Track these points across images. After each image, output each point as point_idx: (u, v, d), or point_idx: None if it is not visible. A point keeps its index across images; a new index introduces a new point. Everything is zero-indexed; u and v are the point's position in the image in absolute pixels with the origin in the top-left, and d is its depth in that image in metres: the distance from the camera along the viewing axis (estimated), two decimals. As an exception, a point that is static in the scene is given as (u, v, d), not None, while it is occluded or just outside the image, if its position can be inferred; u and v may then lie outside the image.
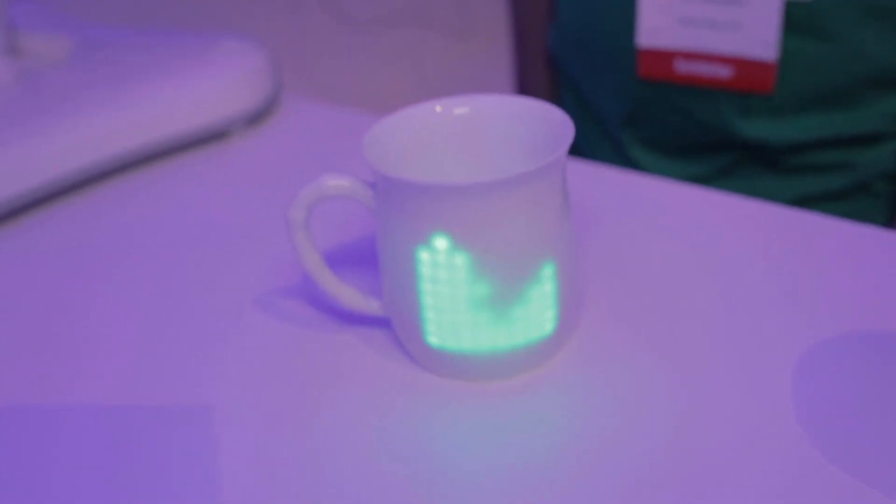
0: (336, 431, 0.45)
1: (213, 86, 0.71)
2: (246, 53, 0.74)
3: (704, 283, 0.53)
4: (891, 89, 0.71)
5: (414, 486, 0.42)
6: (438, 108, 0.49)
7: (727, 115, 0.74)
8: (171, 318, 0.54)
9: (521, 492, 0.42)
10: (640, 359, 0.48)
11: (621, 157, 0.81)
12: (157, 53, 0.73)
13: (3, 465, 0.45)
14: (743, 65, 0.72)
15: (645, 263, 0.55)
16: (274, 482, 0.43)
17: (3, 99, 0.68)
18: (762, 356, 0.47)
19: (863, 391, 0.44)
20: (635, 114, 0.79)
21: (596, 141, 0.83)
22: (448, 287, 0.45)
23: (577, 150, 0.85)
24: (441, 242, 0.44)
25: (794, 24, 0.69)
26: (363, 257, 0.56)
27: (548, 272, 0.45)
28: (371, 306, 0.50)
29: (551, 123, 0.46)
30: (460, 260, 0.44)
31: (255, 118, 0.74)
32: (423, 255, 0.44)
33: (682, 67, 0.73)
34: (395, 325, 0.49)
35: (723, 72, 0.72)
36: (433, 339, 0.47)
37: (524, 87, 0.95)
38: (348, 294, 0.49)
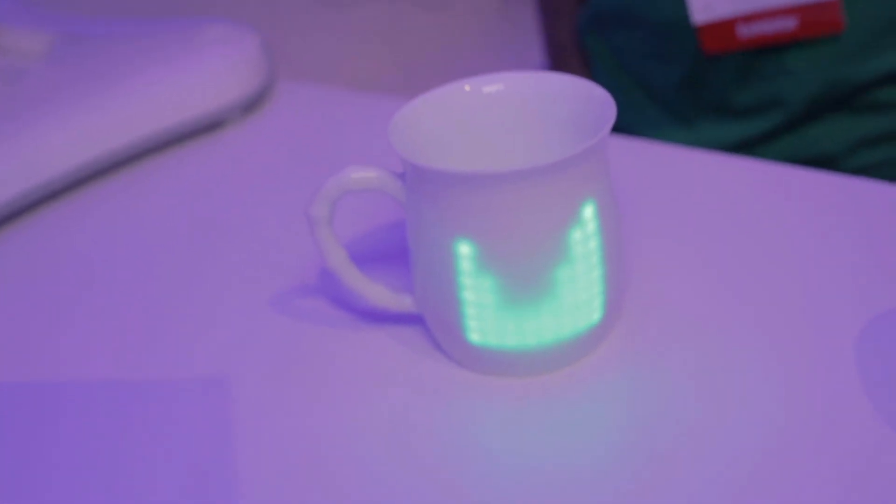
0: (377, 435, 0.43)
1: (206, 74, 0.68)
2: (237, 39, 0.70)
3: (753, 258, 0.50)
4: None
5: (462, 488, 0.40)
6: (467, 88, 0.46)
7: (793, 67, 0.72)
8: (180, 323, 0.51)
9: (575, 490, 0.39)
10: (690, 341, 0.45)
11: (677, 121, 0.79)
12: (142, 43, 0.70)
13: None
14: (807, 11, 0.69)
15: (689, 240, 0.52)
16: (315, 489, 0.41)
17: (-16, 99, 0.64)
18: (821, 332, 0.45)
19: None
20: (693, 79, 0.76)
21: (643, 108, 0.80)
22: (491, 281, 0.42)
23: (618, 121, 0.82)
24: (482, 234, 0.41)
25: None
26: (387, 250, 0.53)
27: (596, 257, 0.42)
28: (403, 303, 0.47)
29: (590, 101, 0.44)
30: (504, 251, 0.41)
31: (251, 106, 0.71)
32: (463, 249, 0.42)
33: (745, 31, 0.71)
34: (429, 322, 0.46)
35: (788, 24, 0.70)
36: (474, 336, 0.44)
37: (555, 61, 0.92)
38: (378, 292, 0.47)
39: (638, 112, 0.81)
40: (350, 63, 1.62)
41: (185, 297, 0.53)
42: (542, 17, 0.93)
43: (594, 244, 0.42)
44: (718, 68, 0.75)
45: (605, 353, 0.45)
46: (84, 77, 0.66)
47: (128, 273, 0.56)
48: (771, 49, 0.72)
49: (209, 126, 0.69)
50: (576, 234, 0.41)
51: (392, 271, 0.50)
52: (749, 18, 0.70)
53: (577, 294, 0.43)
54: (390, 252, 0.53)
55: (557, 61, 0.92)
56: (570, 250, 0.42)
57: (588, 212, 0.42)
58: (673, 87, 0.78)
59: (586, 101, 0.44)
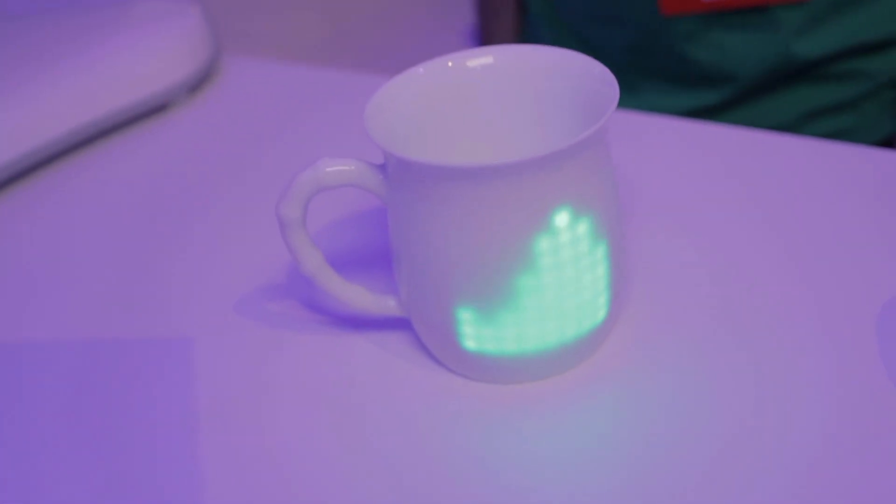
0: (363, 450, 0.39)
1: (145, 53, 0.62)
2: (176, 12, 0.65)
3: (757, 232, 0.47)
4: None
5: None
6: (450, 64, 0.41)
7: (744, 40, 0.70)
8: (129, 332, 0.46)
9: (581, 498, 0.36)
10: (700, 328, 0.42)
11: (623, 88, 0.75)
12: (72, 23, 0.64)
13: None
14: None
15: (687, 216, 0.48)
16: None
17: None
18: (842, 312, 0.42)
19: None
20: (642, 45, 0.72)
21: None
22: (488, 284, 0.38)
23: None
24: (478, 233, 0.37)
25: None
26: (365, 247, 0.49)
27: (601, 251, 0.39)
28: (387, 306, 0.42)
29: (586, 78, 0.39)
30: (502, 251, 0.37)
31: (196, 84, 0.65)
32: (455, 249, 0.37)
33: None
34: (417, 327, 0.42)
35: None
36: (469, 342, 0.40)
37: (485, 24, 0.87)
38: (359, 295, 0.42)
39: None
40: (290, 27, 1.56)
41: (136, 302, 0.48)
42: None
43: (598, 240, 0.38)
44: (669, 35, 0.71)
45: (608, 349, 0.42)
46: (9, 64, 0.61)
47: (72, 273, 0.51)
48: (724, 20, 0.69)
49: (153, 109, 0.63)
50: (580, 232, 0.37)
51: (374, 269, 0.46)
52: None
53: (583, 293, 0.39)
54: (370, 248, 0.48)
55: (488, 17, 0.88)
56: (573, 248, 0.38)
57: (593, 206, 0.38)
58: (620, 52, 0.75)
59: (583, 77, 0.39)
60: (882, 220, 0.47)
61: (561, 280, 0.38)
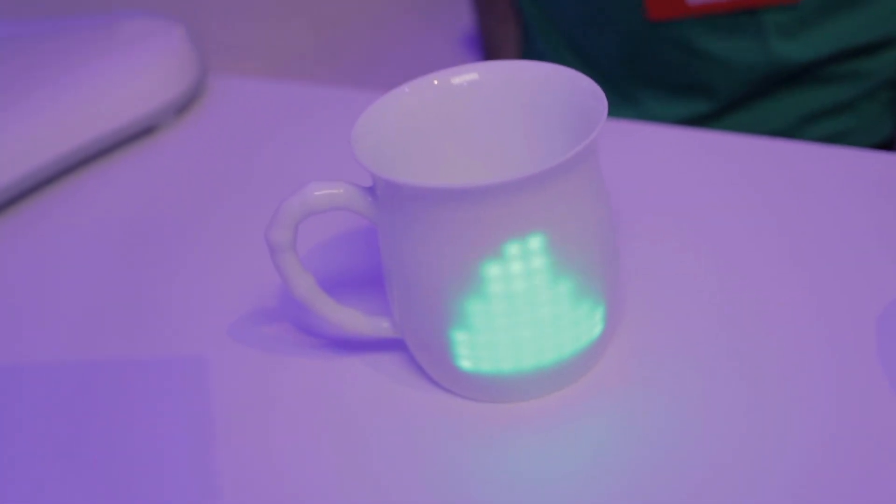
0: (363, 474, 0.39)
1: (132, 76, 0.62)
2: (161, 33, 0.65)
3: (757, 239, 0.46)
4: None
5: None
6: (435, 82, 0.41)
7: (735, 45, 0.69)
8: (120, 355, 0.46)
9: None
10: (699, 341, 0.42)
11: (621, 97, 0.75)
12: (56, 46, 0.63)
13: None
14: None
15: (686, 224, 0.48)
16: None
17: None
18: (841, 317, 0.42)
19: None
20: (637, 54, 0.72)
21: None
22: (483, 303, 0.37)
23: None
24: (469, 253, 0.36)
25: None
26: (356, 268, 0.48)
27: (595, 264, 0.38)
28: (380, 328, 0.42)
29: (575, 92, 0.39)
30: (495, 271, 0.37)
31: (183, 106, 0.65)
32: (448, 270, 0.37)
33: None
34: (412, 348, 0.41)
35: None
36: (465, 362, 0.39)
37: (486, 31, 0.87)
38: (352, 317, 0.42)
39: None
40: (271, 40, 1.55)
41: (127, 327, 0.48)
42: None
43: (594, 254, 0.38)
44: (658, 42, 0.71)
45: (603, 369, 0.41)
46: (-5, 88, 0.60)
47: (61, 298, 0.50)
48: (712, 25, 0.69)
49: (140, 132, 0.63)
50: (575, 247, 0.37)
51: (365, 291, 0.45)
52: None
53: (579, 309, 0.38)
54: (361, 270, 0.48)
55: (488, 28, 0.88)
56: (568, 264, 0.37)
57: (588, 221, 0.37)
58: (613, 61, 0.74)
59: (570, 92, 0.39)
60: (881, 223, 0.46)
61: (557, 296, 0.37)
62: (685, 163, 0.53)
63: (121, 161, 0.62)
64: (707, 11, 0.68)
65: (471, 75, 0.41)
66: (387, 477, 0.39)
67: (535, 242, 0.36)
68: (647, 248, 0.47)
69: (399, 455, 0.39)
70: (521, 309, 0.37)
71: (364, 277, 0.47)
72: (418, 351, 0.41)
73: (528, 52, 0.82)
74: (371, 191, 0.39)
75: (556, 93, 0.40)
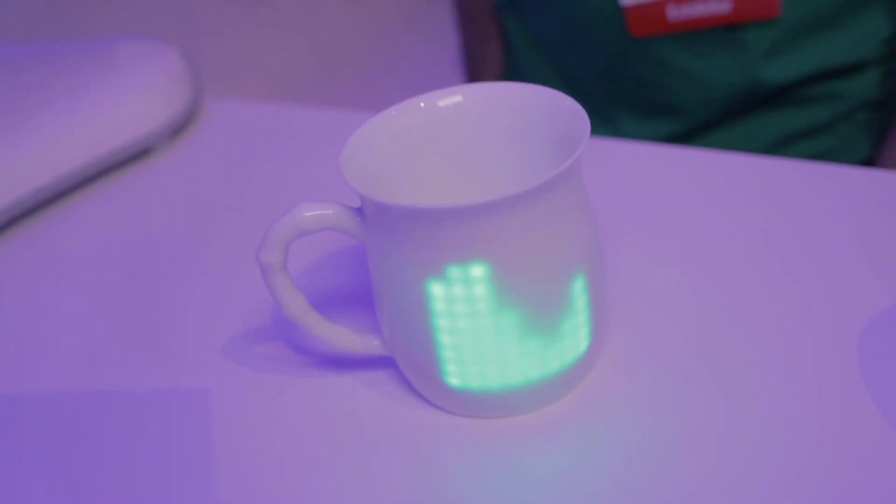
0: (355, 484, 0.39)
1: (128, 99, 0.63)
2: (156, 56, 0.66)
3: (740, 254, 0.47)
4: (871, 10, 0.69)
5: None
6: (422, 105, 0.42)
7: (712, 65, 0.70)
8: (117, 376, 0.46)
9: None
10: (684, 359, 0.42)
11: (598, 117, 0.76)
12: (55, 69, 0.64)
13: None
14: None
15: (670, 241, 0.49)
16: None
17: None
18: (820, 340, 0.42)
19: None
20: (617, 73, 0.73)
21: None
22: (469, 321, 0.38)
23: None
24: (457, 272, 0.37)
25: None
26: (347, 287, 0.49)
27: (579, 284, 0.39)
28: (371, 345, 0.43)
29: (557, 112, 0.40)
30: (481, 289, 0.37)
31: (178, 128, 0.66)
32: (436, 289, 0.38)
33: (675, 14, 0.68)
34: (402, 365, 0.42)
35: (722, 7, 0.67)
36: (453, 379, 0.40)
37: (469, 49, 0.88)
38: (343, 335, 0.42)
39: None
40: (269, 60, 1.56)
41: (121, 348, 0.48)
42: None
43: (577, 271, 0.39)
44: (638, 61, 0.72)
45: (591, 383, 0.42)
46: (-7, 112, 0.61)
47: (56, 322, 0.51)
48: (692, 44, 0.70)
49: (136, 154, 0.64)
50: (559, 266, 0.38)
51: (356, 309, 0.46)
52: (680, 0, 0.67)
53: (563, 327, 0.39)
54: (351, 289, 0.49)
55: (471, 47, 0.88)
56: (553, 282, 0.38)
57: (572, 239, 0.38)
58: (592, 80, 0.75)
59: (553, 112, 0.40)
60: (864, 238, 0.47)
61: (541, 314, 0.38)
62: (670, 179, 0.54)
63: (117, 183, 0.62)
64: (689, 27, 0.69)
65: (455, 97, 0.42)
66: (378, 491, 0.39)
67: (517, 261, 0.37)
68: (633, 265, 0.48)
69: (390, 470, 0.40)
70: (506, 327, 0.38)
71: (355, 296, 0.48)
72: (408, 368, 0.42)
73: (511, 71, 0.83)
74: (360, 211, 0.40)
75: (539, 113, 0.40)
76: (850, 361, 0.41)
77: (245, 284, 0.49)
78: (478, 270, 0.37)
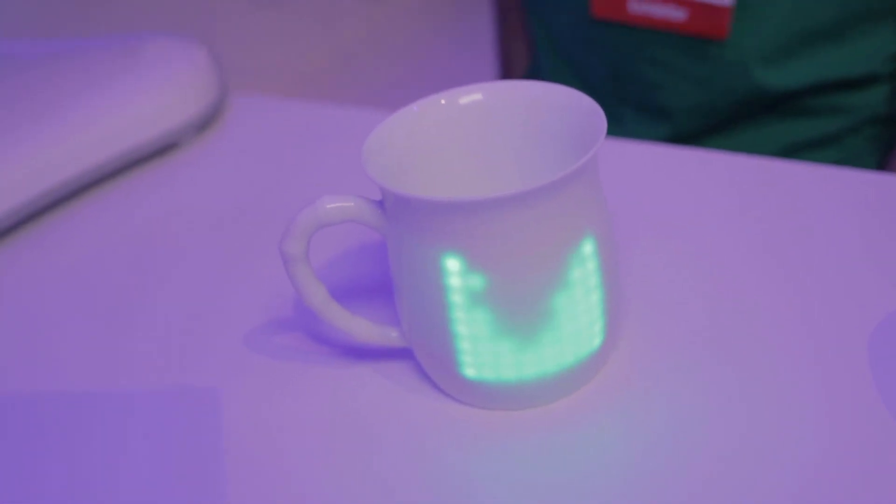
0: (370, 477, 0.40)
1: (155, 94, 0.64)
2: (183, 53, 0.67)
3: (751, 256, 0.48)
4: (878, 25, 0.68)
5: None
6: (443, 101, 0.43)
7: (713, 71, 0.70)
8: (144, 364, 0.48)
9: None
10: (696, 358, 0.43)
11: (609, 116, 0.76)
12: (83, 65, 0.66)
13: None
14: (698, 8, 0.68)
15: (681, 242, 0.49)
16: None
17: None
18: (836, 335, 0.43)
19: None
20: (620, 74, 0.74)
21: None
22: (485, 313, 0.39)
23: None
24: (474, 264, 0.38)
25: None
26: (367, 279, 0.50)
27: (594, 279, 0.40)
28: (390, 337, 0.44)
29: (574, 110, 0.41)
30: (498, 281, 0.38)
31: (204, 124, 0.67)
32: (454, 281, 0.39)
33: (636, 8, 0.69)
34: (419, 356, 0.43)
35: (678, 14, 0.68)
36: (469, 371, 0.41)
37: (502, 45, 0.89)
38: (363, 327, 0.43)
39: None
40: (292, 60, 1.57)
41: (147, 336, 0.50)
42: None
43: (592, 267, 0.39)
44: (642, 61, 0.72)
45: (604, 378, 0.43)
46: (23, 105, 0.62)
47: (83, 311, 0.52)
48: (688, 47, 0.70)
49: (162, 148, 0.65)
50: (574, 260, 0.39)
51: (375, 301, 0.47)
52: None
53: (578, 320, 0.40)
54: (371, 281, 0.49)
55: (503, 42, 0.89)
56: (568, 276, 0.39)
57: (587, 234, 0.39)
58: (602, 78, 0.76)
59: (571, 110, 0.41)
60: (872, 241, 0.48)
61: (556, 308, 0.39)
62: (682, 180, 0.55)
63: (143, 176, 0.64)
64: (646, 25, 0.70)
65: (476, 95, 0.43)
66: (394, 480, 0.40)
67: (532, 254, 0.38)
68: (646, 264, 0.48)
69: (406, 459, 0.41)
70: (522, 319, 0.39)
71: (375, 288, 0.49)
72: (425, 359, 0.43)
73: (534, 68, 0.84)
74: (381, 204, 0.41)
75: (557, 111, 0.41)
76: (861, 363, 0.41)
77: (267, 276, 0.51)
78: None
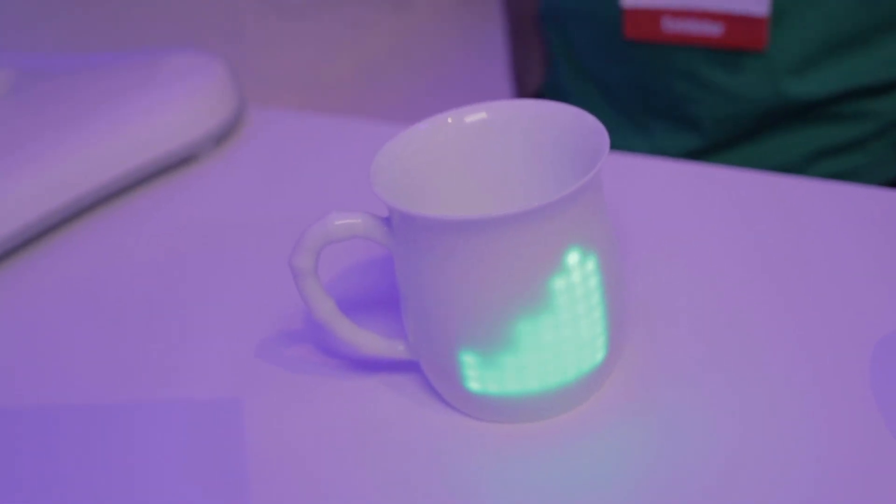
0: (376, 489, 0.41)
1: (175, 108, 0.65)
2: (204, 67, 0.68)
3: (759, 273, 0.48)
4: None
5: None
6: (450, 120, 0.44)
7: (740, 80, 0.71)
8: (157, 375, 0.49)
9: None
10: (700, 372, 0.43)
11: (635, 127, 0.77)
12: (106, 79, 0.67)
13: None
14: (734, 21, 0.68)
15: (689, 258, 0.50)
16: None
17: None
18: (840, 354, 0.43)
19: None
20: (648, 84, 0.74)
21: (602, 112, 0.79)
22: (488, 329, 0.40)
23: None
24: (475, 282, 0.39)
25: None
26: (375, 292, 0.51)
27: (596, 294, 0.40)
28: (397, 350, 0.45)
29: (578, 129, 0.41)
30: (498, 298, 0.39)
31: (222, 137, 0.68)
32: (455, 297, 0.39)
33: (670, 26, 0.69)
34: (426, 369, 0.44)
35: (714, 29, 0.68)
36: (473, 384, 0.42)
37: (516, 56, 0.90)
38: (370, 340, 0.44)
39: (597, 116, 0.79)
40: (316, 73, 1.59)
41: (163, 347, 0.51)
42: (504, 8, 0.91)
43: (595, 283, 0.40)
44: (668, 72, 0.73)
45: (608, 392, 0.44)
46: (47, 117, 0.64)
47: (101, 322, 0.53)
48: (718, 58, 0.71)
49: (180, 162, 0.66)
50: (576, 276, 0.39)
51: (383, 315, 0.48)
52: (676, 14, 0.69)
53: (580, 335, 0.41)
54: (379, 294, 0.50)
55: (517, 58, 0.90)
56: (570, 292, 0.39)
57: (590, 250, 0.39)
58: (627, 90, 0.76)
59: (576, 129, 0.41)
60: (879, 257, 0.48)
61: (559, 323, 0.40)
62: (691, 196, 0.55)
63: (161, 189, 0.65)
64: (679, 41, 0.70)
65: (482, 114, 0.44)
66: (399, 492, 0.41)
67: (540, 272, 0.39)
68: (651, 279, 0.49)
69: (412, 471, 0.41)
70: (525, 335, 0.40)
71: (382, 302, 0.49)
72: (431, 373, 0.43)
73: (551, 82, 0.85)
74: (388, 221, 0.41)
75: (562, 130, 0.42)
76: (863, 382, 0.42)
77: (281, 289, 0.51)
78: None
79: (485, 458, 0.42)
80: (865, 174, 0.73)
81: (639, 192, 0.55)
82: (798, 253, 0.49)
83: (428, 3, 1.88)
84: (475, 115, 0.44)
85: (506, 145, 0.44)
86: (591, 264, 0.40)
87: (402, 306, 0.43)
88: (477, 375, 0.41)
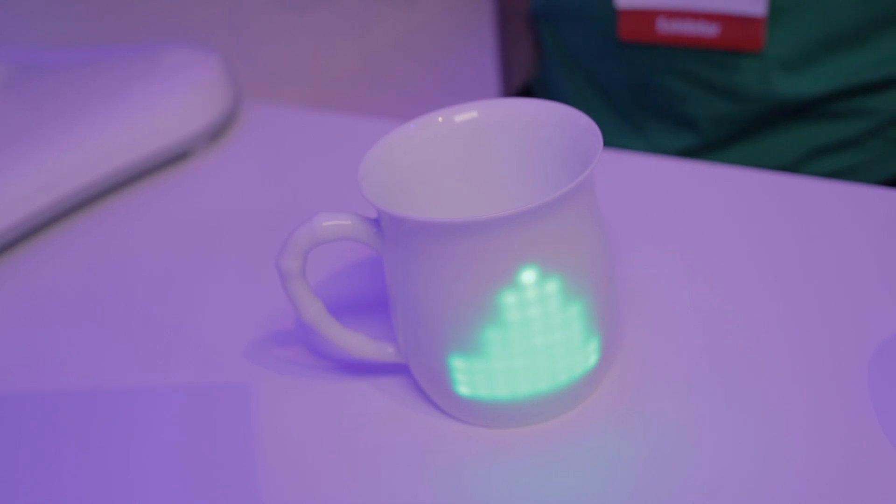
0: (366, 487, 0.40)
1: (170, 103, 0.64)
2: (199, 62, 0.67)
3: (756, 274, 0.48)
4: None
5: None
6: (440, 119, 0.43)
7: (737, 79, 0.70)
8: (148, 374, 0.48)
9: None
10: (695, 375, 0.43)
11: (630, 127, 0.76)
12: (100, 73, 0.66)
13: None
14: (730, 22, 0.67)
15: (685, 257, 0.49)
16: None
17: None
18: (838, 357, 0.42)
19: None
20: (641, 84, 0.74)
21: (596, 111, 0.78)
22: (478, 332, 0.39)
23: None
24: (467, 285, 0.38)
25: None
26: (364, 294, 0.50)
27: (589, 297, 0.40)
28: (386, 353, 0.44)
29: (571, 129, 0.41)
30: (490, 301, 0.38)
31: (217, 132, 0.67)
32: (445, 300, 0.39)
33: (665, 27, 0.69)
34: (415, 373, 0.43)
35: (709, 30, 0.68)
36: (463, 388, 0.41)
37: (505, 52, 0.89)
38: (359, 342, 0.44)
39: (591, 115, 0.79)
40: (317, 66, 1.58)
41: (153, 344, 0.50)
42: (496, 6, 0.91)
43: (586, 285, 0.39)
44: (664, 72, 0.72)
45: (601, 395, 0.43)
46: (40, 113, 0.63)
47: (92, 319, 0.53)
48: (722, 62, 0.70)
49: (174, 157, 0.66)
50: (566, 279, 0.39)
51: (372, 317, 0.47)
52: (672, 15, 0.68)
53: (571, 341, 0.40)
54: (369, 296, 0.50)
55: (504, 50, 0.89)
56: (561, 295, 0.39)
57: (581, 252, 0.39)
58: (622, 89, 0.76)
59: (568, 128, 0.41)
60: (879, 258, 0.47)
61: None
62: (686, 195, 0.54)
63: (154, 185, 0.64)
64: (674, 42, 0.69)
65: (472, 113, 0.43)
66: (387, 494, 0.40)
67: (529, 275, 0.38)
68: (645, 280, 0.48)
69: (400, 474, 0.41)
70: (515, 339, 0.39)
71: (372, 304, 0.49)
72: (420, 376, 0.43)
73: (543, 78, 0.84)
74: (376, 222, 0.41)
75: (554, 129, 0.41)
76: (861, 387, 0.41)
77: (272, 288, 0.51)
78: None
79: (474, 463, 0.41)
80: (862, 172, 0.72)
81: (632, 190, 0.54)
82: (796, 252, 0.48)
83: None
84: (466, 115, 0.43)
85: (497, 144, 0.43)
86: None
87: (391, 308, 0.43)
88: (466, 380, 0.41)
